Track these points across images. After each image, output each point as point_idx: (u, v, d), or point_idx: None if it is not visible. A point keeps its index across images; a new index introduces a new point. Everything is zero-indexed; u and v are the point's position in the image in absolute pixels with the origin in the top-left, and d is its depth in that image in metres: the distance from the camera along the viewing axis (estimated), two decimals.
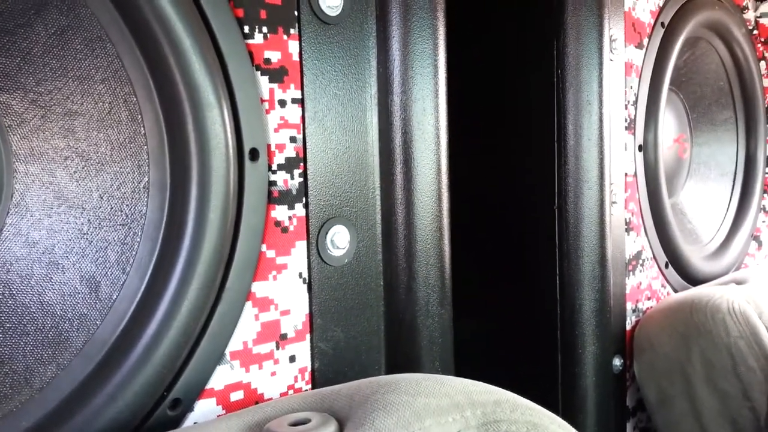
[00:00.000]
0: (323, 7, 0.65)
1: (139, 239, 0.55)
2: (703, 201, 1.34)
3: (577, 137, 0.92)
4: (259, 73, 0.61)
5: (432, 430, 0.46)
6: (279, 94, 0.62)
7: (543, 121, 0.94)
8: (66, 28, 0.52)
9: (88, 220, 0.54)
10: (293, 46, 0.63)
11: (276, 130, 0.62)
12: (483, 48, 1.09)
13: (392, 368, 0.72)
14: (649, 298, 1.09)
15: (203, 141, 0.55)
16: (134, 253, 0.55)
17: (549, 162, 0.94)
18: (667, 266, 1.13)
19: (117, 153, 0.55)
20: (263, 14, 0.61)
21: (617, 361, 1.00)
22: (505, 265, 1.10)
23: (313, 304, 0.65)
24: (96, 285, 0.54)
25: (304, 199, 0.64)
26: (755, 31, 1.40)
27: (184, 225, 0.55)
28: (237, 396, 0.61)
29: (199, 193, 0.55)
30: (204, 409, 0.58)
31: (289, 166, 0.63)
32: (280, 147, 0.62)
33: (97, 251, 0.54)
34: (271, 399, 0.62)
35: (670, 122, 1.25)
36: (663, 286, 1.13)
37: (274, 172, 0.62)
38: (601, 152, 0.93)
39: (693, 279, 1.19)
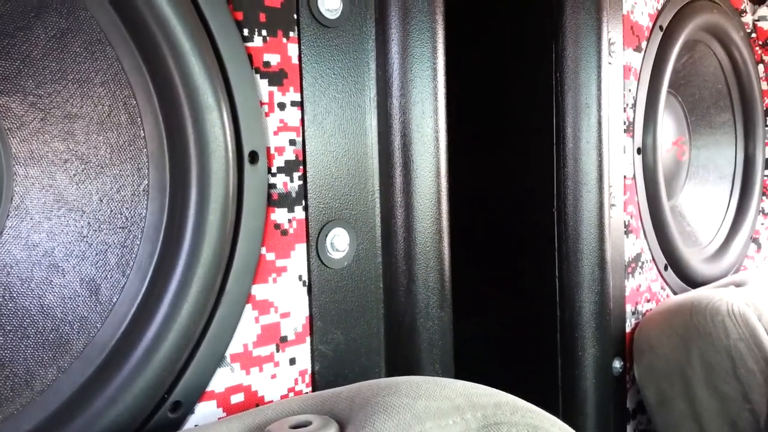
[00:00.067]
0: (322, 10, 0.65)
1: (139, 242, 0.55)
2: (702, 203, 1.34)
3: (575, 140, 0.92)
4: (258, 76, 0.61)
5: None
6: (278, 97, 0.62)
7: (542, 123, 0.94)
8: (65, 31, 0.52)
9: (88, 222, 0.54)
10: (292, 49, 0.63)
11: (275, 133, 0.62)
12: (482, 50, 1.09)
13: (392, 371, 0.72)
14: (648, 301, 1.09)
15: (203, 144, 0.55)
16: (134, 255, 0.55)
17: (548, 164, 0.94)
18: (666, 268, 1.13)
19: (116, 156, 0.55)
20: (262, 17, 0.61)
21: (617, 364, 1.00)
22: (504, 268, 1.10)
23: (313, 306, 0.65)
24: (96, 288, 0.54)
25: (303, 202, 0.64)
26: (753, 34, 1.41)
27: (184, 228, 0.55)
28: (237, 398, 0.61)
29: (198, 195, 0.55)
30: (204, 411, 0.58)
31: (288, 168, 0.63)
32: (280, 150, 0.63)
33: (97, 254, 0.54)
34: (271, 401, 0.62)
35: (668, 125, 1.25)
36: (662, 288, 1.13)
37: (273, 174, 0.62)
38: (599, 155, 0.93)
39: (692, 281, 1.19)
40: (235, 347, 0.60)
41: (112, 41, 0.53)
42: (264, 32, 0.61)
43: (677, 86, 1.27)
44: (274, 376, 0.63)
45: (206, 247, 0.55)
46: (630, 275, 1.04)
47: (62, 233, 0.53)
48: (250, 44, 0.60)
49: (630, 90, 1.04)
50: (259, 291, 0.61)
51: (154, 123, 0.55)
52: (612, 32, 0.96)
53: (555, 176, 0.94)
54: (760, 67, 1.41)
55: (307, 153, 0.64)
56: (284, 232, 0.63)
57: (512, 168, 1.06)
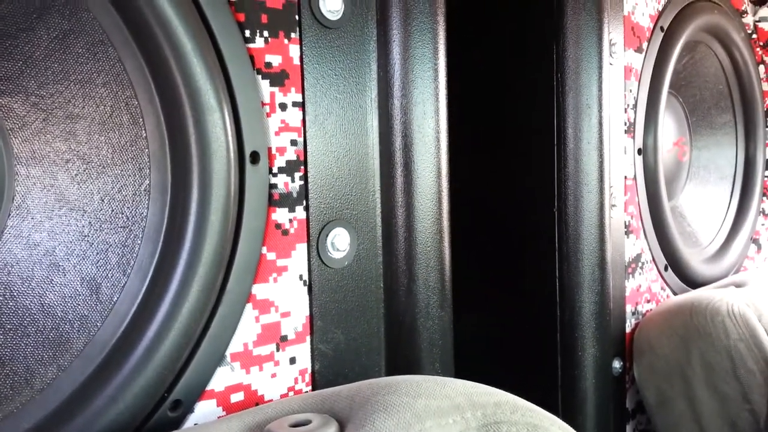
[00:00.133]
0: (324, 11, 0.65)
1: (140, 241, 0.56)
2: (703, 204, 1.34)
3: (576, 140, 0.92)
4: (260, 76, 0.61)
5: None
6: (280, 98, 0.63)
7: (543, 124, 0.94)
8: (68, 31, 0.52)
9: (89, 222, 0.54)
10: (294, 50, 0.63)
11: (277, 134, 0.62)
12: (483, 51, 1.09)
13: (392, 370, 0.72)
14: (648, 301, 1.09)
15: (204, 144, 0.55)
16: (135, 255, 0.55)
17: (549, 165, 0.94)
18: (666, 269, 1.13)
19: (118, 156, 0.55)
20: (264, 19, 0.61)
21: (617, 364, 1.00)
22: (504, 268, 1.10)
23: (314, 306, 0.66)
24: (97, 287, 0.54)
25: (304, 202, 0.65)
26: (754, 35, 1.41)
27: (185, 227, 0.55)
28: (237, 397, 0.61)
29: (200, 195, 0.55)
30: (204, 410, 0.59)
31: (289, 169, 0.63)
32: (281, 150, 0.63)
33: (98, 253, 0.54)
34: (271, 400, 0.62)
35: (669, 125, 1.25)
36: (662, 288, 1.13)
37: (274, 174, 0.62)
38: (600, 155, 0.93)
39: (692, 282, 1.19)
40: (235, 346, 0.60)
41: (114, 42, 0.54)
42: (265, 33, 0.61)
43: (678, 87, 1.27)
44: (274, 376, 0.63)
45: (207, 247, 0.56)
46: (630, 275, 1.04)
47: (63, 232, 0.53)
48: (251, 45, 0.60)
49: (631, 91, 1.04)
50: (259, 290, 0.62)
51: (156, 123, 0.55)
52: (613, 33, 0.96)
53: (556, 177, 0.94)
54: (761, 68, 1.41)
55: (308, 153, 0.65)
56: (285, 232, 0.63)
57: (513, 168, 1.06)
